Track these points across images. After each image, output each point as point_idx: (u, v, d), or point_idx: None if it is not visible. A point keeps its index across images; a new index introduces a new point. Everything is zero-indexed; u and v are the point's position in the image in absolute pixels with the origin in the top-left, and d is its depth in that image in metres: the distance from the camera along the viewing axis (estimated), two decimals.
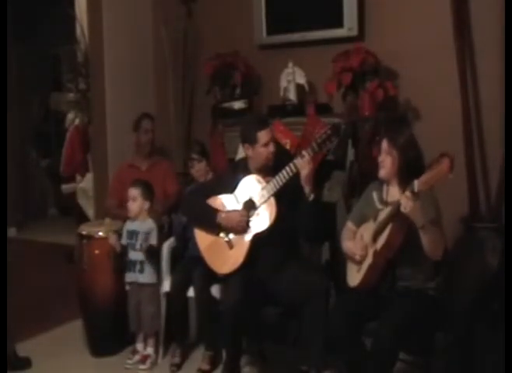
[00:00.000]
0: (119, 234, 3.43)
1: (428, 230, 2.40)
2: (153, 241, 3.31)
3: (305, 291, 2.83)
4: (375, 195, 2.70)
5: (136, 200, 3.35)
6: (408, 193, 2.34)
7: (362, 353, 2.60)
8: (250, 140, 2.96)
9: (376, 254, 2.54)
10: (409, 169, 2.54)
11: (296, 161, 2.86)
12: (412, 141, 2.61)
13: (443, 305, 2.74)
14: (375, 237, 2.56)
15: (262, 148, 2.94)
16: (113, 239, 3.38)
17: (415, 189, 2.33)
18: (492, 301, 2.98)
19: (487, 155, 3.50)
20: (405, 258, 2.53)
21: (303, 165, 2.83)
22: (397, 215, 2.42)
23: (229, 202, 3.05)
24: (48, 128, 7.30)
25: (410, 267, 2.57)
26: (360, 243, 2.64)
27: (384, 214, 2.54)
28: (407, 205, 2.34)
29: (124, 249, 3.37)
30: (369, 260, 2.57)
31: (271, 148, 2.95)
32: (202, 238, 3.12)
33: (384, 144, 2.61)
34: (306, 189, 2.87)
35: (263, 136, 2.93)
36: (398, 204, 2.40)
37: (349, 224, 2.83)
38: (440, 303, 2.70)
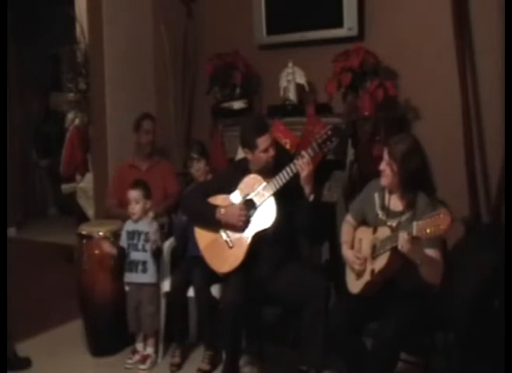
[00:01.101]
0: (117, 234, 3.43)
1: (425, 264, 2.39)
2: (159, 242, 3.31)
3: (305, 290, 2.83)
4: (377, 197, 2.67)
5: (139, 202, 3.35)
6: (406, 236, 2.30)
7: (362, 353, 2.60)
8: (249, 145, 2.96)
9: (374, 274, 2.52)
10: (411, 181, 2.50)
11: (295, 161, 2.86)
12: (414, 152, 2.49)
13: (443, 305, 2.75)
14: (373, 252, 2.54)
15: (262, 154, 2.94)
16: (106, 247, 3.38)
17: (414, 233, 2.28)
18: (492, 300, 2.98)
19: (487, 155, 3.50)
20: (405, 269, 2.52)
21: (303, 166, 2.83)
22: (396, 248, 2.38)
23: (228, 201, 3.05)
24: (48, 128, 7.30)
25: (409, 269, 2.56)
26: (359, 256, 2.62)
27: (383, 233, 2.49)
28: (404, 246, 2.30)
29: (123, 251, 3.37)
30: (367, 277, 2.56)
31: (272, 152, 2.95)
32: (202, 237, 3.12)
33: (385, 154, 2.56)
34: (307, 189, 2.87)
35: (263, 142, 2.93)
36: (396, 239, 2.35)
37: (349, 218, 2.82)
38: (440, 303, 2.70)
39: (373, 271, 2.52)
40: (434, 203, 2.48)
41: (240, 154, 3.47)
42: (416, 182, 2.51)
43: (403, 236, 2.31)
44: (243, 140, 3.02)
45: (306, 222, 2.93)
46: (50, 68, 7.34)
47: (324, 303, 2.81)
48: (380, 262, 2.48)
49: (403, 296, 2.56)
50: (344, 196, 3.40)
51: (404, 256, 2.39)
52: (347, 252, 2.72)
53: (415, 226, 2.27)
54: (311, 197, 2.88)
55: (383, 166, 2.57)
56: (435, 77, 3.60)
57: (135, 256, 3.34)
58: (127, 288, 3.40)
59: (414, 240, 2.30)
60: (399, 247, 2.33)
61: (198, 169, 3.54)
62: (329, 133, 2.86)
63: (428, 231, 2.22)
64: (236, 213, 2.96)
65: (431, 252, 2.43)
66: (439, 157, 3.41)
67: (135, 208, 3.35)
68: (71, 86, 5.56)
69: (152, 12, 4.70)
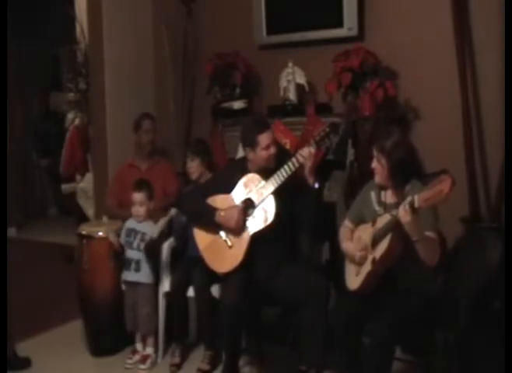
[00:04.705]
0: (118, 234, 3.43)
1: (423, 242, 2.39)
2: (154, 234, 3.30)
3: (305, 291, 2.83)
4: (373, 195, 2.70)
5: (143, 205, 3.34)
6: (407, 207, 2.32)
7: (361, 353, 2.60)
8: (250, 143, 2.96)
9: (375, 262, 2.53)
10: (400, 171, 2.54)
11: (294, 159, 2.86)
12: (399, 143, 2.56)
13: (443, 305, 2.74)
14: (374, 243, 2.55)
15: (263, 151, 2.94)
16: (112, 237, 3.38)
17: (416, 205, 2.30)
18: (492, 300, 2.98)
19: (487, 155, 3.50)
20: (404, 262, 2.52)
21: (306, 157, 2.83)
22: (396, 226, 2.40)
23: (227, 201, 3.04)
24: (48, 128, 7.30)
25: (409, 270, 2.57)
26: (359, 244, 2.64)
27: (382, 221, 2.52)
28: (405, 218, 2.33)
29: (123, 248, 3.37)
30: (368, 267, 2.56)
31: (273, 150, 2.95)
32: (202, 238, 3.12)
33: (374, 151, 2.61)
34: (311, 179, 2.88)
35: (264, 139, 2.93)
36: (397, 216, 2.38)
37: (347, 223, 2.83)
38: (440, 303, 2.70)
39: (374, 260, 2.53)
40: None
41: (240, 154, 3.47)
42: (406, 171, 2.55)
43: (404, 207, 2.32)
44: (245, 138, 3.02)
45: (311, 214, 2.93)
46: (50, 68, 7.34)
47: (324, 303, 2.81)
48: (381, 247, 2.49)
49: (399, 295, 2.56)
50: (344, 196, 3.40)
51: (404, 239, 2.40)
52: (346, 244, 2.74)
53: (417, 198, 2.29)
54: (316, 185, 2.89)
55: (374, 164, 2.61)
56: (435, 77, 3.60)
57: (129, 254, 3.35)
58: (123, 287, 3.41)
59: (414, 215, 2.30)
60: (399, 217, 2.34)
61: (191, 166, 3.55)
62: (327, 130, 2.88)
63: (430, 200, 2.24)
64: (235, 215, 2.96)
65: (428, 233, 2.44)
66: (439, 157, 3.42)
67: (140, 211, 3.35)
68: (71, 86, 5.56)
69: (152, 12, 4.70)
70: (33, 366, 3.35)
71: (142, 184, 3.40)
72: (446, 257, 2.67)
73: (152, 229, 3.34)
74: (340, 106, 3.72)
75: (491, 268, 3.02)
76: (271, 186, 2.92)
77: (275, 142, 3.02)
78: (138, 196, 3.34)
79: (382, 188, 2.66)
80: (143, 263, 3.32)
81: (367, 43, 3.71)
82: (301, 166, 2.88)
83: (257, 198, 2.97)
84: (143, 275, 3.33)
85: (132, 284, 3.36)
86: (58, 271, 4.81)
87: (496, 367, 2.65)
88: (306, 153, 2.84)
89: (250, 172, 3.03)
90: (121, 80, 4.47)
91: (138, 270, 3.32)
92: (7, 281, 3.00)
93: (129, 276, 3.35)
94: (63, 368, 3.38)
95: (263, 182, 2.96)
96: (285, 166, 2.88)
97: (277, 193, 2.92)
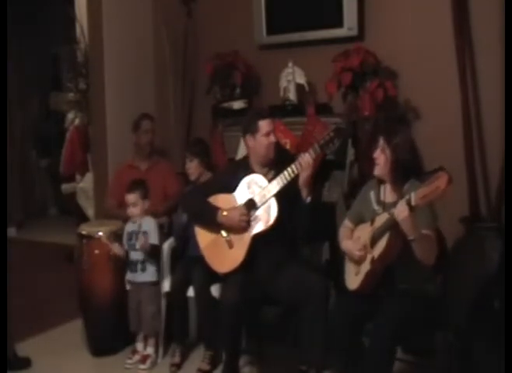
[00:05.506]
0: (118, 234, 3.43)
1: (419, 242, 2.39)
2: (154, 240, 3.31)
3: (305, 291, 2.83)
4: (372, 195, 2.70)
5: (137, 205, 3.35)
6: (404, 205, 2.32)
7: (362, 353, 2.60)
8: (251, 129, 2.97)
9: (373, 261, 2.53)
10: (402, 169, 2.55)
11: (297, 162, 2.85)
12: (407, 142, 2.58)
13: (443, 305, 2.74)
14: (372, 243, 2.55)
15: (263, 138, 2.95)
16: (116, 249, 3.37)
17: (413, 203, 2.30)
18: (492, 300, 2.98)
19: (487, 155, 3.50)
20: (404, 262, 2.52)
21: (305, 166, 2.82)
22: (394, 225, 2.40)
23: (229, 201, 3.05)
24: (48, 128, 7.30)
25: (409, 270, 2.57)
26: (358, 243, 2.64)
27: (381, 220, 2.52)
28: (401, 214, 2.33)
29: (127, 252, 3.37)
30: (367, 267, 2.56)
31: (272, 138, 2.96)
32: (203, 237, 3.12)
33: (380, 142, 2.60)
34: (304, 191, 2.87)
35: (264, 125, 2.95)
36: (394, 215, 2.38)
37: (347, 223, 2.83)
38: (439, 303, 2.70)
39: (372, 259, 2.53)
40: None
41: (241, 154, 3.47)
42: (407, 169, 2.55)
43: (401, 205, 2.33)
44: (245, 125, 3.03)
45: (304, 224, 2.93)
46: (51, 68, 7.35)
47: (324, 303, 2.81)
48: (380, 246, 2.49)
49: (399, 295, 2.56)
50: (344, 197, 3.40)
51: (402, 238, 2.40)
52: (346, 243, 2.73)
53: (413, 195, 2.29)
54: (308, 199, 2.88)
55: (377, 154, 2.60)
56: (435, 77, 3.60)
57: (133, 255, 3.35)
58: (128, 287, 3.41)
59: (411, 213, 2.31)
60: (396, 215, 2.34)
61: (189, 167, 3.55)
62: (331, 134, 2.85)
63: (427, 197, 2.24)
64: (238, 215, 2.95)
65: (426, 232, 2.44)
66: (439, 157, 3.41)
67: (134, 211, 3.35)
68: (71, 86, 5.56)
69: (152, 12, 4.70)
70: (33, 366, 3.35)
71: (134, 185, 3.40)
72: (446, 257, 2.66)
73: (150, 225, 3.33)
74: (340, 106, 3.72)
75: (491, 268, 3.02)
76: (274, 187, 2.92)
77: (276, 137, 3.02)
78: (130, 198, 3.35)
79: (381, 183, 2.66)
80: (148, 262, 3.32)
81: (367, 43, 3.71)
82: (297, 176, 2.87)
83: (259, 199, 2.96)
84: (149, 274, 3.33)
85: (137, 285, 3.36)
86: (58, 271, 4.81)
87: (496, 367, 2.65)
88: (303, 164, 2.82)
89: (252, 170, 3.03)
90: (121, 80, 4.47)
91: (144, 269, 3.33)
92: (7, 281, 3.00)
93: (136, 277, 3.35)
94: (63, 368, 3.39)
95: (266, 183, 2.96)
96: (289, 168, 2.87)
97: (278, 194, 2.92)
